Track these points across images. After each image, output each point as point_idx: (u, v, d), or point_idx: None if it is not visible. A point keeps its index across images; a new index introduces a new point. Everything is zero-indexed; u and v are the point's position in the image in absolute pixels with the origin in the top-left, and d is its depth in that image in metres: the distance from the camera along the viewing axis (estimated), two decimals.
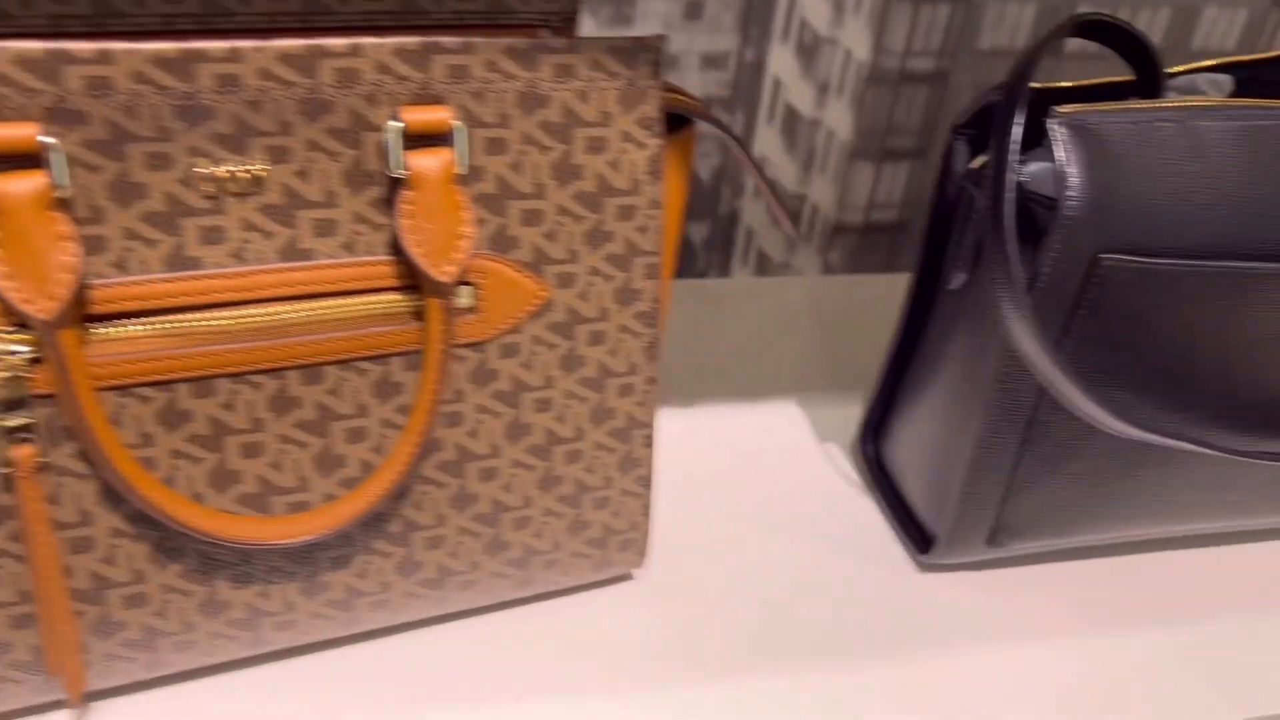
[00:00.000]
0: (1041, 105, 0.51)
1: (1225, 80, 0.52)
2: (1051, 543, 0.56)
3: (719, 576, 0.56)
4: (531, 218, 0.42)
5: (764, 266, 0.88)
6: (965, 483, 0.53)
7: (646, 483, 0.50)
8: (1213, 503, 0.57)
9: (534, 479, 0.47)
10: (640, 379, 0.47)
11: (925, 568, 0.58)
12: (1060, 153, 0.46)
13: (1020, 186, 0.47)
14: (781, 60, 0.79)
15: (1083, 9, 0.81)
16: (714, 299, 0.80)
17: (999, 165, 0.47)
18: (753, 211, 0.85)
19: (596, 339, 0.46)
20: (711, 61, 0.77)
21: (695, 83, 0.78)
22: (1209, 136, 0.47)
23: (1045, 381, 0.48)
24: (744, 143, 0.49)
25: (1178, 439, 0.50)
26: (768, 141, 0.82)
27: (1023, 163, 0.47)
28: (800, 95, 0.80)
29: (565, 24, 0.44)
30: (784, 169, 0.83)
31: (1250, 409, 0.53)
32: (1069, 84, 0.51)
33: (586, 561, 0.51)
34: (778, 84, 0.80)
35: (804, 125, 0.82)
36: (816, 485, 0.63)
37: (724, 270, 0.88)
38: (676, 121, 0.47)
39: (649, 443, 0.49)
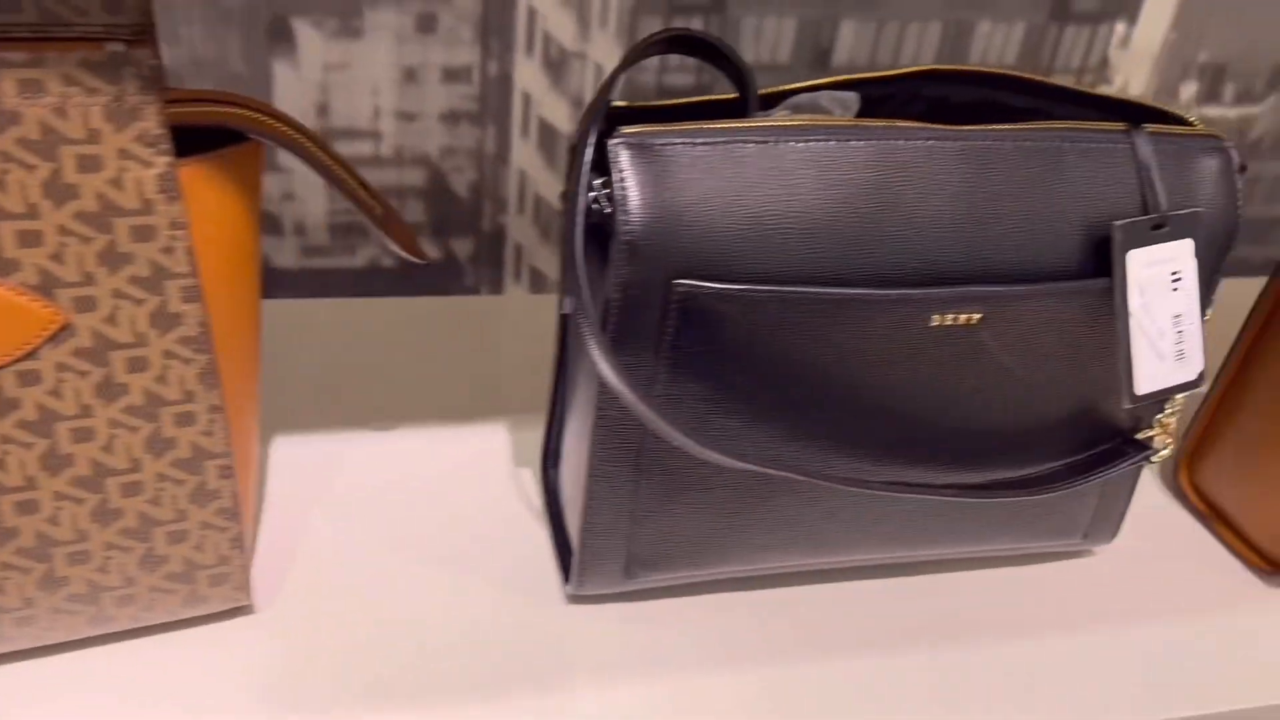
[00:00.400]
0: (655, 121, 0.48)
1: (851, 98, 0.50)
2: (690, 574, 0.54)
3: (357, 610, 0.54)
4: (29, 239, 0.40)
5: (539, 283, 0.86)
6: (586, 513, 0.51)
7: (232, 515, 0.48)
8: (864, 534, 0.55)
9: (86, 512, 0.45)
10: (201, 407, 0.45)
11: (573, 599, 0.56)
12: (618, 174, 0.44)
13: (597, 210, 0.45)
14: (529, 74, 0.77)
15: (846, 23, 0.80)
16: (450, 317, 0.78)
17: (573, 186, 0.45)
18: (519, 226, 0.83)
19: (137, 365, 0.44)
20: (453, 75, 0.76)
21: (439, 97, 0.76)
22: (792, 158, 0.45)
23: (631, 409, 0.46)
24: (323, 161, 0.47)
25: (780, 468, 0.48)
26: (526, 157, 0.80)
27: (604, 185, 0.45)
28: (554, 110, 0.78)
29: (138, 36, 0.43)
30: (547, 184, 0.81)
31: (875, 437, 0.51)
32: (672, 102, 0.49)
33: (172, 597, 0.49)
34: (528, 98, 0.78)
35: (562, 141, 0.80)
36: (498, 513, 0.61)
37: (496, 287, 0.86)
38: (235, 135, 0.46)
39: (227, 473, 0.47)
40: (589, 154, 0.45)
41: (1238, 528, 0.64)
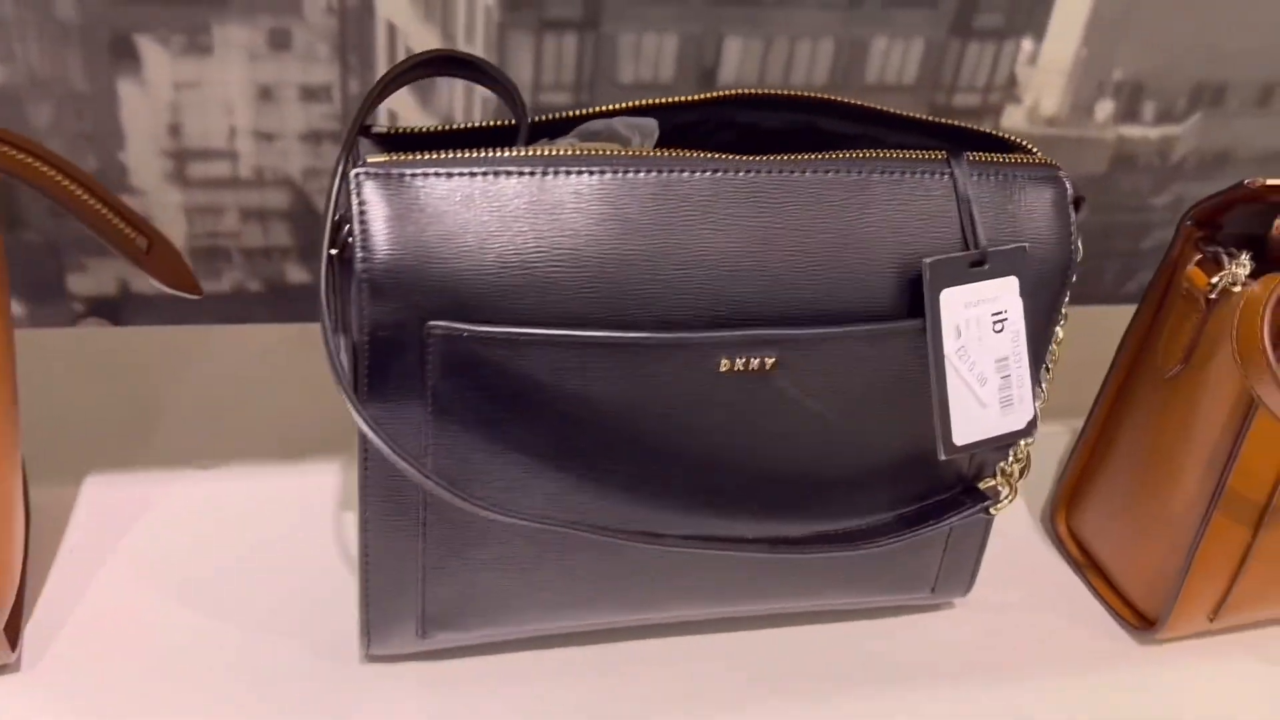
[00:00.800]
0: (424, 149, 0.45)
1: (649, 124, 0.47)
2: (490, 633, 0.50)
3: (136, 668, 0.50)
4: None
5: None
6: (366, 570, 0.48)
7: None
8: (683, 589, 0.51)
9: None
10: None
11: (371, 659, 0.52)
12: (359, 207, 0.40)
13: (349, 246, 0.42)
14: (394, 94, 0.74)
15: (731, 40, 0.76)
16: (308, 345, 0.75)
17: (328, 223, 0.42)
18: None
19: None
20: (312, 94, 0.73)
21: (299, 116, 0.73)
22: (562, 191, 0.42)
23: (392, 461, 0.43)
24: (73, 193, 0.44)
25: (562, 524, 0.45)
26: None
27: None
28: None
29: None
30: None
31: (675, 489, 0.47)
32: (447, 127, 0.46)
33: None
34: (395, 118, 0.75)
35: None
36: (315, 562, 0.57)
37: None
38: None
39: None
40: (336, 187, 0.41)
41: (1112, 579, 0.60)
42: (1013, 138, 0.50)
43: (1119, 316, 0.62)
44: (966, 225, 0.46)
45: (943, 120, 0.50)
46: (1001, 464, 0.52)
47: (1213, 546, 0.53)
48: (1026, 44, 0.81)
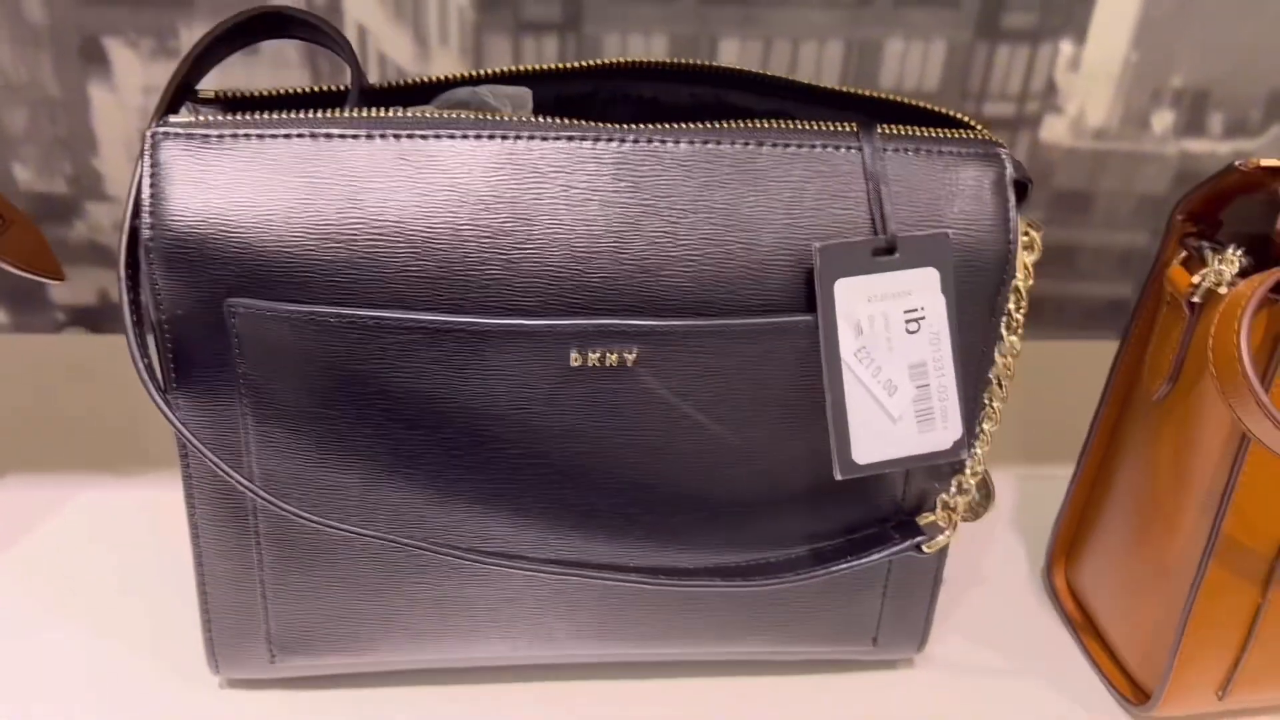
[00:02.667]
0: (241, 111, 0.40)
1: (522, 94, 0.42)
2: (342, 661, 0.45)
3: None
4: None
5: None
6: (201, 584, 0.43)
7: None
8: (569, 624, 0.45)
9: None
10: None
11: (232, 683, 0.47)
12: (151, 169, 0.36)
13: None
14: None
15: (727, 42, 0.71)
16: None
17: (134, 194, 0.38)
18: None
19: None
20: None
21: None
22: (389, 157, 0.37)
23: (204, 461, 0.38)
24: None
25: (396, 538, 0.39)
26: None
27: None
28: None
29: None
30: None
31: (538, 504, 0.41)
32: (275, 90, 0.42)
33: None
34: None
35: None
36: (180, 575, 0.53)
37: None
38: None
39: None
40: (147, 150, 0.38)
41: (1109, 642, 0.51)
42: (958, 114, 0.43)
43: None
44: (874, 207, 0.39)
45: (872, 93, 0.43)
46: (944, 495, 0.44)
47: (1211, 606, 0.44)
48: (1066, 46, 0.73)
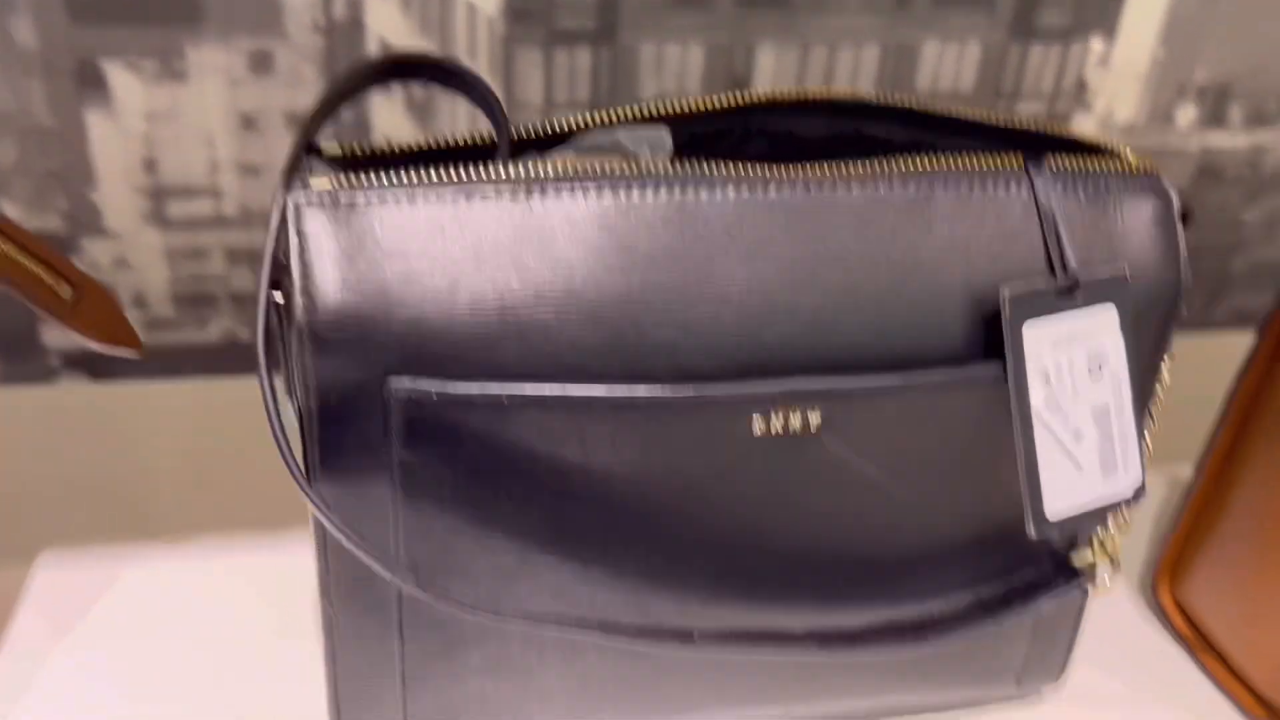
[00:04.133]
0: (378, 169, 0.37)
1: (660, 136, 0.39)
2: None
3: None
4: None
5: None
6: (336, 678, 0.40)
7: None
8: (722, 691, 0.42)
9: None
10: None
11: None
12: (298, 242, 0.33)
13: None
14: (391, 119, 0.67)
15: (764, 49, 0.68)
16: None
17: (268, 260, 0.34)
18: None
19: None
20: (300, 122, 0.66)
21: (285, 147, 0.66)
22: (554, 218, 0.34)
23: (353, 551, 0.35)
24: None
25: (562, 623, 0.36)
26: None
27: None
28: None
29: None
30: None
31: (703, 579, 0.39)
32: (411, 145, 0.38)
33: None
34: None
35: None
36: (293, 659, 0.50)
37: None
38: None
39: None
40: (276, 219, 0.34)
41: (1229, 659, 0.51)
42: (1095, 140, 0.42)
43: (1210, 346, 0.53)
44: (1052, 246, 0.38)
45: (1010, 122, 0.42)
46: (1099, 533, 0.43)
47: None
48: (1096, 44, 0.73)
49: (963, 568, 0.42)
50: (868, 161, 0.37)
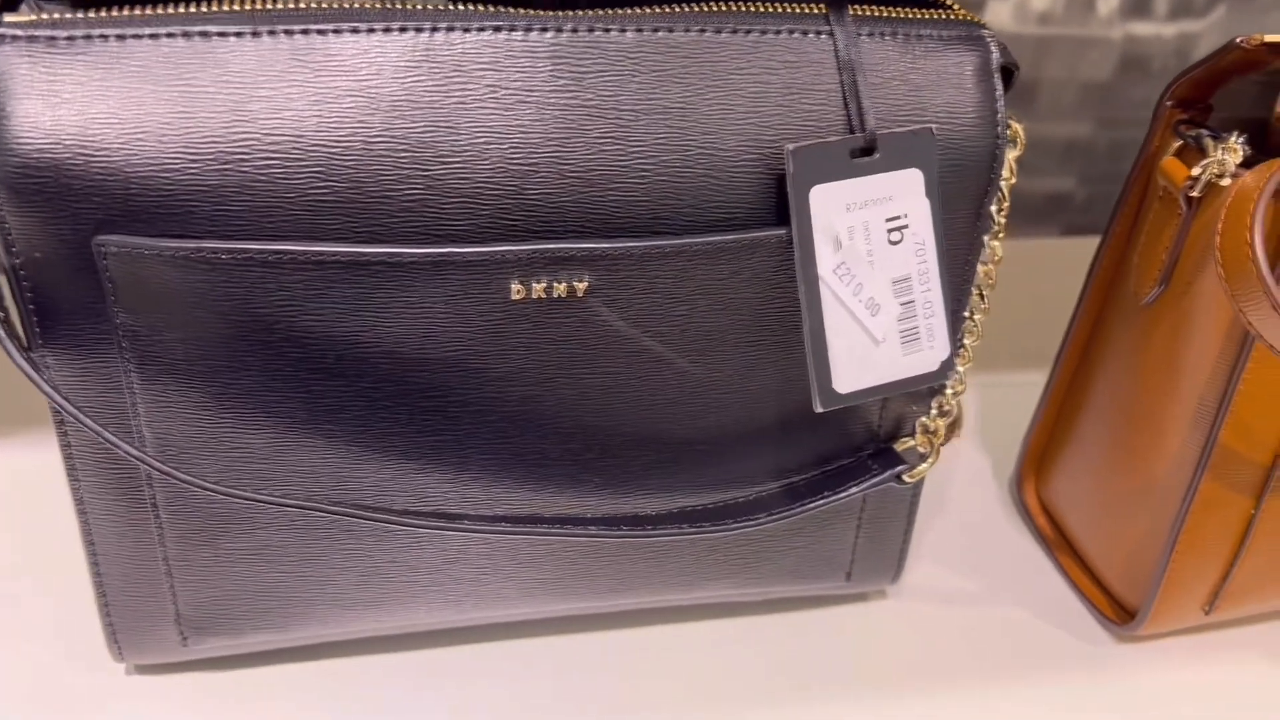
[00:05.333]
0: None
1: None
2: (274, 638, 0.40)
3: None
4: None
5: None
6: (96, 564, 0.38)
7: None
8: (522, 581, 0.40)
9: None
10: None
11: (140, 669, 0.42)
12: None
13: None
14: None
15: None
16: None
17: None
18: None
19: None
20: None
21: None
22: (284, 58, 0.31)
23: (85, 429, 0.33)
24: None
25: (309, 506, 0.34)
26: None
27: None
28: None
29: None
30: None
31: (482, 457, 0.36)
32: None
33: None
34: None
35: None
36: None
37: None
38: None
39: None
40: None
41: (1088, 561, 0.48)
42: None
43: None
44: (850, 100, 0.34)
45: None
46: (923, 418, 0.41)
47: (1203, 520, 0.42)
48: None
49: (772, 454, 0.39)
50: (653, 6, 0.34)
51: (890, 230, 0.35)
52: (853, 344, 0.35)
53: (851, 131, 0.34)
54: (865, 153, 0.34)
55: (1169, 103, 0.40)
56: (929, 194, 0.35)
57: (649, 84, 0.33)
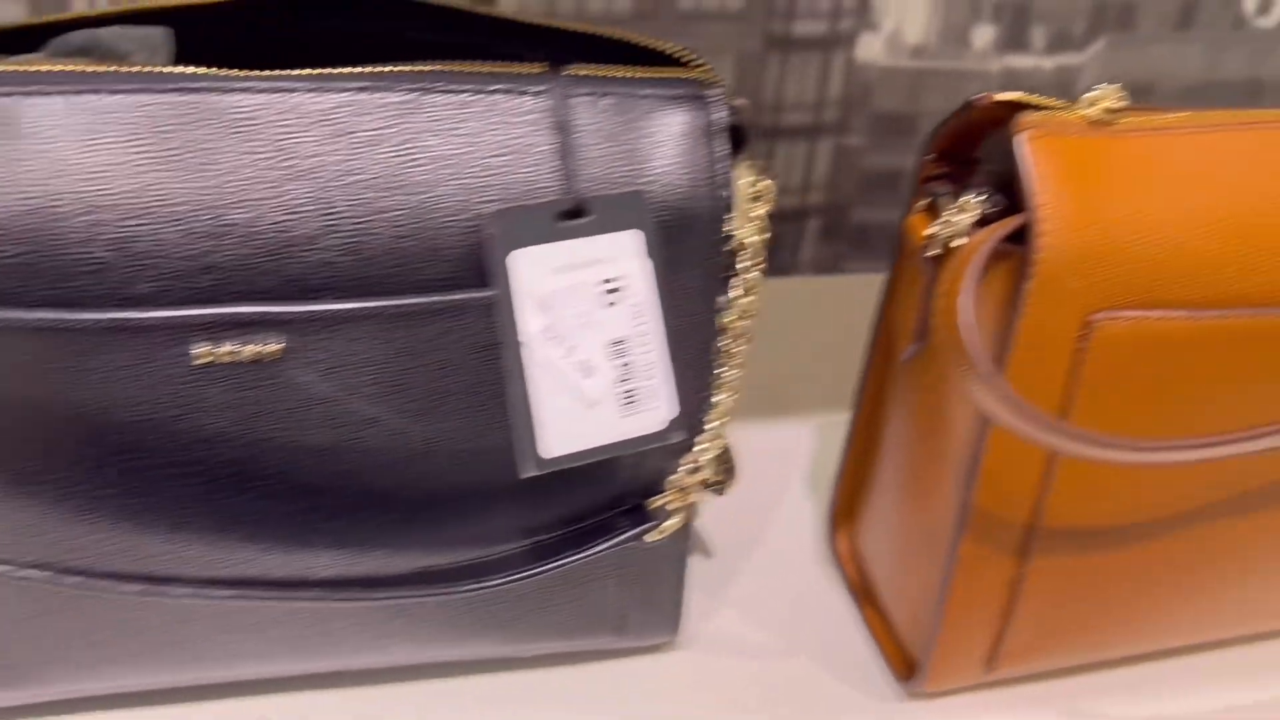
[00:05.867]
0: None
1: (158, 35, 0.36)
2: (12, 695, 0.40)
3: None
4: None
5: None
6: None
7: None
8: (267, 641, 0.40)
9: None
10: None
11: None
12: None
13: None
14: None
15: None
16: None
17: None
18: None
19: None
20: None
21: None
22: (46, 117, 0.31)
23: None
24: None
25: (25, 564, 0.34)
26: None
27: None
28: None
29: None
30: None
31: (187, 518, 0.36)
32: None
33: None
34: None
35: None
36: None
37: None
38: None
39: None
40: None
41: (885, 612, 0.48)
42: (677, 50, 0.38)
43: None
44: (563, 162, 0.34)
45: (580, 27, 0.38)
46: (673, 475, 0.40)
47: (970, 579, 0.41)
48: None
49: (522, 510, 0.39)
50: (357, 66, 0.34)
51: (606, 292, 0.35)
52: (564, 407, 0.34)
53: (565, 194, 0.34)
54: (575, 215, 0.34)
55: (927, 156, 0.40)
56: (648, 255, 0.35)
57: (351, 146, 0.33)
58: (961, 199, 0.36)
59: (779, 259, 0.79)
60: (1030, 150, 0.35)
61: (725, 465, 0.43)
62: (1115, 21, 0.73)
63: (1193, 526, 0.41)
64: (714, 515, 0.53)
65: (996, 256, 0.36)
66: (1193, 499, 0.41)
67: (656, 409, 0.36)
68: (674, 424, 0.36)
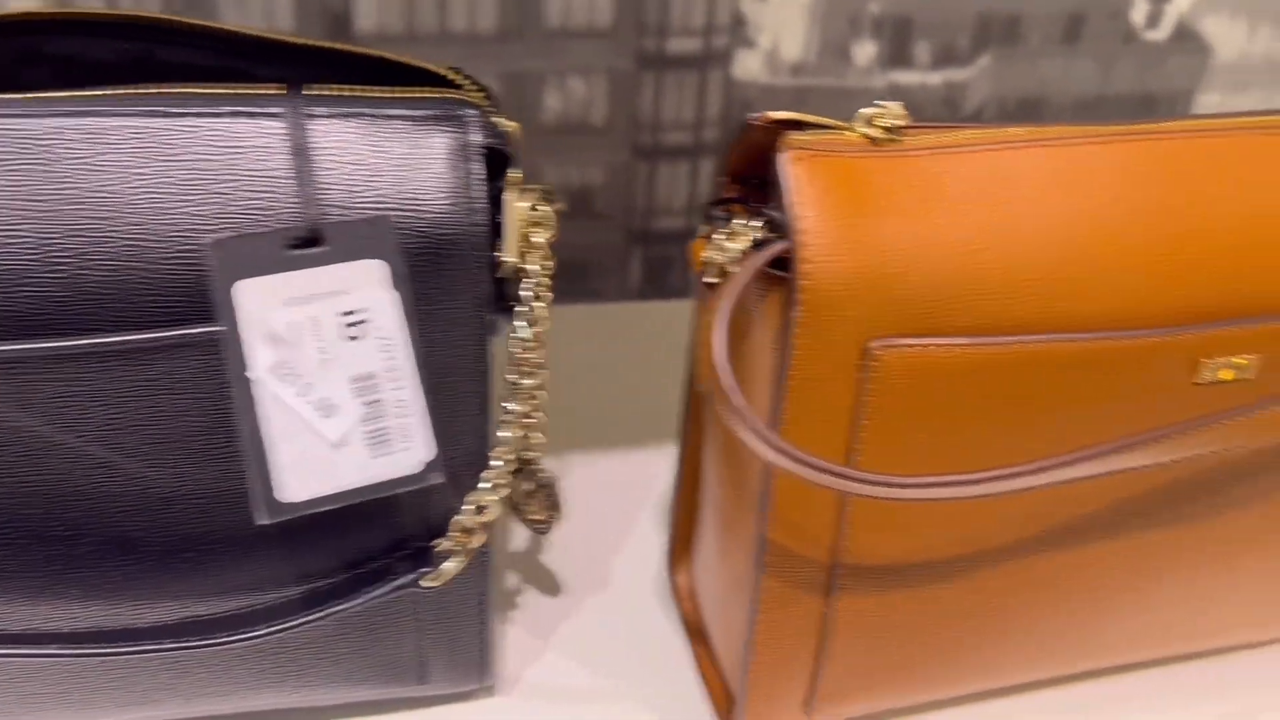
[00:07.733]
0: None
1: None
2: None
3: None
4: None
5: None
6: None
7: None
8: (89, 690, 0.38)
9: None
10: None
11: None
12: None
13: None
14: None
15: None
16: None
17: None
18: None
19: None
20: None
21: None
22: None
23: None
24: None
25: None
26: None
27: None
28: None
29: None
30: None
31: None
32: None
33: None
34: None
35: None
36: None
37: None
38: None
39: None
40: None
41: (713, 649, 0.46)
42: (446, 70, 0.36)
43: None
44: (300, 188, 0.32)
45: (336, 46, 0.36)
46: (458, 517, 0.38)
47: (775, 619, 0.39)
48: None
49: (295, 556, 0.37)
50: (87, 89, 0.32)
51: (348, 325, 0.33)
52: (303, 449, 0.32)
53: (299, 221, 0.32)
54: (309, 244, 0.32)
55: (720, 178, 0.38)
56: (393, 285, 0.33)
57: (70, 174, 0.31)
58: (734, 223, 0.34)
59: (669, 281, 0.77)
60: (793, 171, 0.33)
61: (550, 503, 0.41)
62: (1000, 35, 0.72)
63: (1011, 560, 0.40)
64: (558, 552, 0.51)
65: (772, 284, 0.34)
66: (1006, 533, 0.39)
67: (410, 449, 0.34)
68: (430, 465, 0.34)
